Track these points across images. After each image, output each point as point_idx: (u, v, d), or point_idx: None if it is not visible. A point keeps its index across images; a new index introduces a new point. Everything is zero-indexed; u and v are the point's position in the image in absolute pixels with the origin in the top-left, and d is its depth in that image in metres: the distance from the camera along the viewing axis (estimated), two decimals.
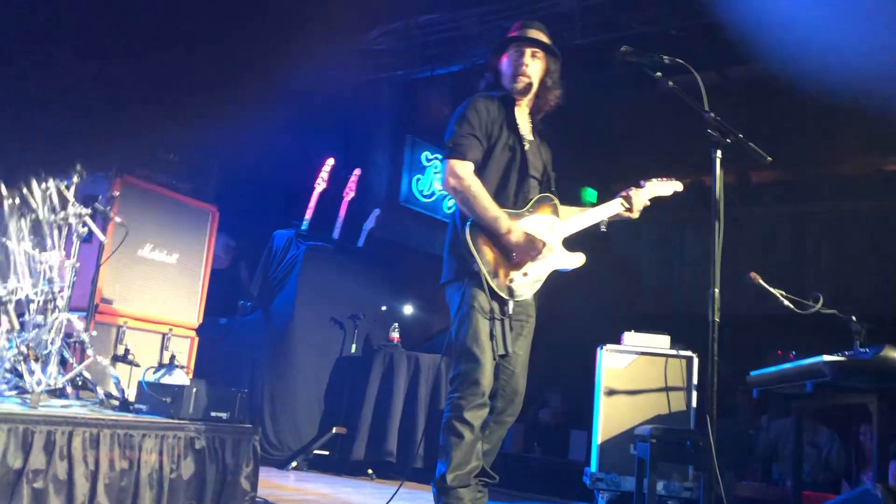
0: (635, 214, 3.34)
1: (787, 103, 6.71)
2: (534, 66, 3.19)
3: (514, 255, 3.01)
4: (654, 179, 3.42)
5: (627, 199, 3.32)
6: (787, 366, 3.61)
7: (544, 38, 3.23)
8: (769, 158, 2.83)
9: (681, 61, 2.94)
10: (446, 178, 3.06)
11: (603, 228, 3.33)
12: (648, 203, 3.37)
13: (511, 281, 3.02)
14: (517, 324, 3.11)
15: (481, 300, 2.97)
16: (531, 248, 3.00)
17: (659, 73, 2.96)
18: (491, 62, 3.30)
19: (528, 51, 3.19)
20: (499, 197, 3.08)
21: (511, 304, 3.02)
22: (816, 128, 6.82)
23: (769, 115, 6.68)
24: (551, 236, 3.15)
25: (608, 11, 5.65)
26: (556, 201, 3.24)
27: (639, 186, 3.37)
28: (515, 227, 3.00)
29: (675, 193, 3.50)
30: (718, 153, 2.81)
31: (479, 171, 3.09)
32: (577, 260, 3.20)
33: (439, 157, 8.44)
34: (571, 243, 3.26)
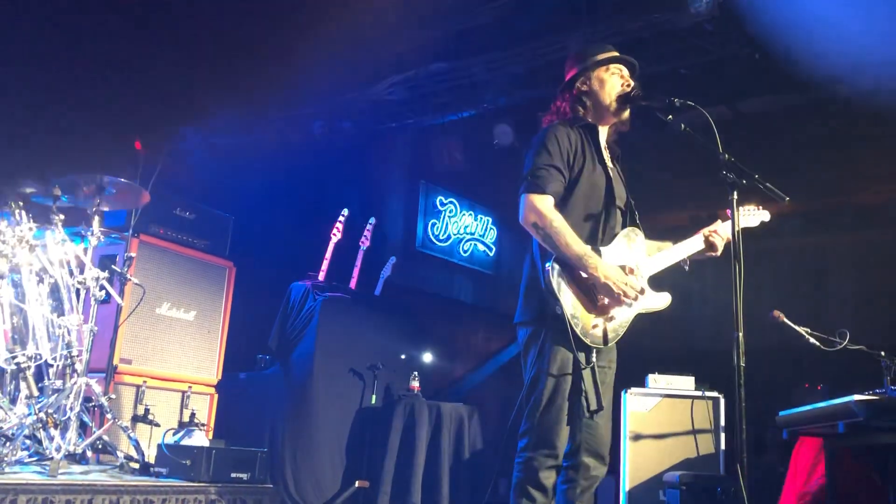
0: (719, 251, 3.09)
1: (801, 133, 6.68)
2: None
3: (601, 296, 2.74)
4: (740, 209, 3.06)
5: (712, 233, 3.09)
6: (817, 405, 3.52)
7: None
8: (786, 198, 2.79)
9: (691, 103, 2.92)
10: (525, 214, 2.78)
11: (686, 267, 3.09)
12: (729, 237, 3.01)
13: (595, 327, 2.76)
14: (600, 370, 2.85)
15: (563, 352, 2.73)
16: (621, 279, 2.74)
17: (671, 116, 2.94)
18: (572, 89, 3.04)
19: (627, 69, 3.02)
20: (585, 232, 2.83)
21: (594, 352, 2.77)
22: (832, 157, 6.77)
23: (783, 147, 6.65)
24: (637, 274, 2.88)
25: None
26: (642, 234, 2.99)
27: (723, 219, 3.09)
28: (602, 263, 2.73)
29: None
30: (735, 194, 2.77)
31: (563, 204, 2.83)
32: (663, 300, 2.95)
33: (454, 200, 8.52)
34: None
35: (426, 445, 5.17)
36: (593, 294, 2.75)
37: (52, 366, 3.77)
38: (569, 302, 2.70)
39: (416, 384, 5.51)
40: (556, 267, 2.72)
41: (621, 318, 2.84)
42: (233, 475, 3.48)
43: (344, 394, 5.37)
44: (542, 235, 2.74)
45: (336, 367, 5.36)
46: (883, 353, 3.64)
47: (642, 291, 2.83)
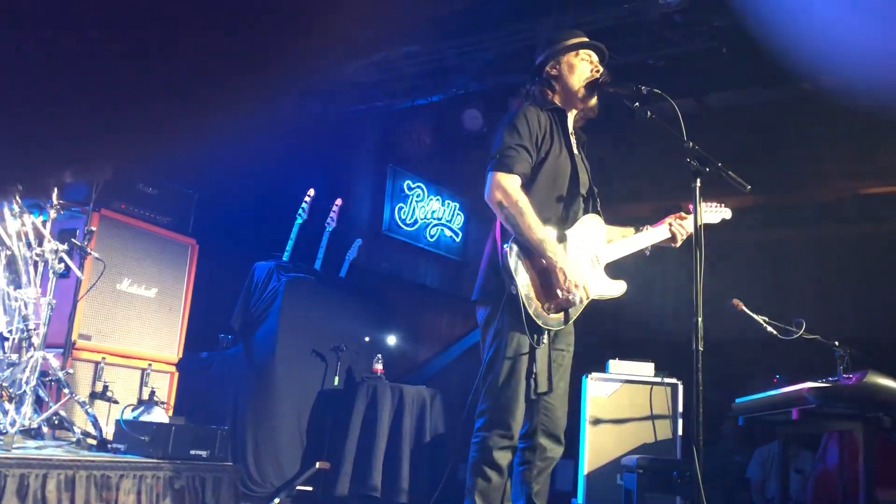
0: (678, 243, 3.15)
1: (764, 129, 6.79)
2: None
3: (555, 282, 2.77)
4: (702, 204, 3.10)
5: (678, 223, 3.14)
6: (772, 393, 3.60)
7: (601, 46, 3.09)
8: (748, 187, 2.83)
9: (658, 91, 2.95)
10: (491, 192, 2.80)
11: (647, 253, 3.15)
12: (691, 232, 3.02)
13: (548, 309, 2.79)
14: (556, 353, 2.90)
15: (518, 332, 2.76)
16: (574, 278, 2.77)
17: (637, 104, 2.97)
18: (542, 73, 3.08)
19: (597, 56, 3.05)
20: (547, 214, 2.85)
21: (546, 334, 2.81)
22: (793, 152, 6.89)
23: (747, 141, 6.74)
24: (594, 262, 2.93)
25: None
26: (602, 222, 3.03)
27: (686, 212, 3.16)
28: (561, 253, 2.77)
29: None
30: (698, 182, 2.81)
31: (528, 186, 2.85)
32: (618, 288, 3.00)
33: (421, 185, 8.50)
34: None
35: (388, 427, 5.18)
36: (548, 277, 2.78)
37: (7, 339, 3.70)
38: (524, 283, 2.74)
39: (379, 367, 5.51)
40: (515, 248, 2.75)
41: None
42: (192, 452, 3.45)
43: (306, 375, 5.36)
44: (506, 215, 2.77)
45: (299, 347, 5.34)
46: (837, 343, 3.73)
47: (587, 276, 2.86)
